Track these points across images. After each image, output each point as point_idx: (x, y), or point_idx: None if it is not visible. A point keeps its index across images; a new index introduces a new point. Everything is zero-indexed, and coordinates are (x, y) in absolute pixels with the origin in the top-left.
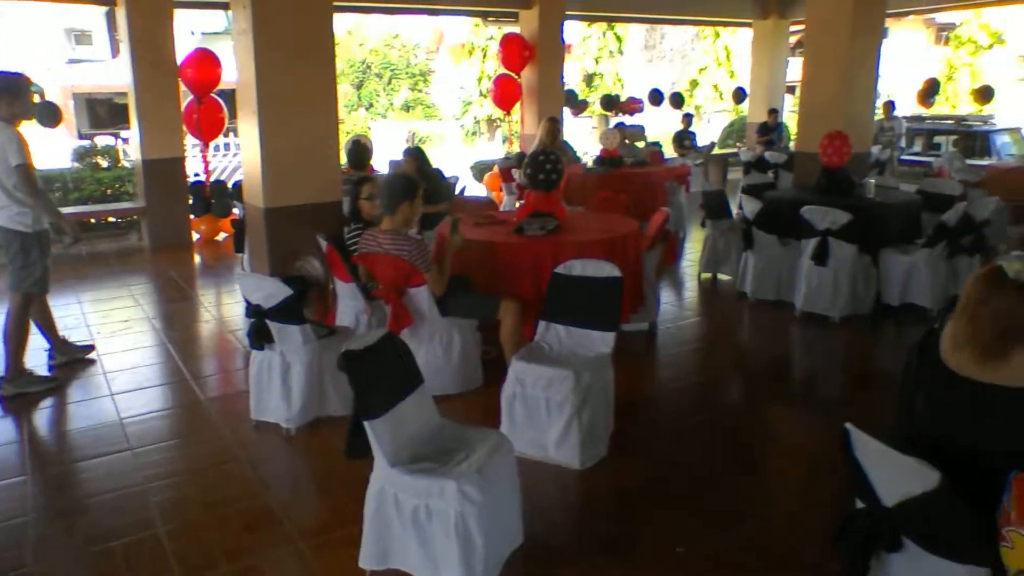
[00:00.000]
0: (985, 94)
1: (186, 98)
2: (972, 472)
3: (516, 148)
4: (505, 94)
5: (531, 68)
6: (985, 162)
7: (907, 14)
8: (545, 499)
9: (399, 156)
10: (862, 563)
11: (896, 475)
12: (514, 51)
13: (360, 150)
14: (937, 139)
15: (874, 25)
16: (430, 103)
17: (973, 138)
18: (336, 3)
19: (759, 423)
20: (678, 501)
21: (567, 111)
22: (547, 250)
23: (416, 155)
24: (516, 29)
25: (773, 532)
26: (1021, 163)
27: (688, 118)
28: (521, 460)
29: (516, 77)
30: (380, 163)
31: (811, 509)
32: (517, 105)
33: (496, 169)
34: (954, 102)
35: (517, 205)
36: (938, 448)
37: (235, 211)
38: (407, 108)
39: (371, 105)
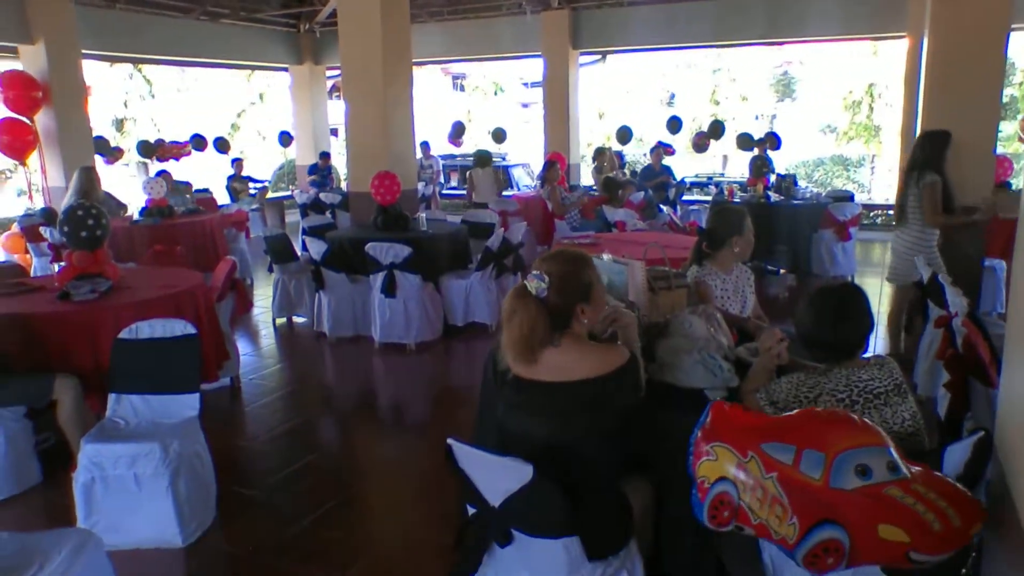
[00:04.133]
0: (498, 135)
1: None
2: (554, 458)
3: (40, 203)
4: (15, 141)
5: (47, 111)
6: (510, 193)
7: (426, 64)
8: None
9: None
10: (474, 562)
11: (497, 476)
12: (19, 91)
13: None
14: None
15: (403, 72)
16: None
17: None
18: None
19: (362, 455)
20: (293, 553)
21: (100, 159)
22: (104, 315)
23: None
24: (19, 65)
25: (392, 560)
26: (536, 193)
27: (239, 162)
28: (113, 554)
29: (28, 121)
30: None
31: (427, 528)
32: (35, 153)
33: (15, 228)
34: (477, 141)
35: (56, 268)
36: (522, 443)
37: None
38: None
39: None
